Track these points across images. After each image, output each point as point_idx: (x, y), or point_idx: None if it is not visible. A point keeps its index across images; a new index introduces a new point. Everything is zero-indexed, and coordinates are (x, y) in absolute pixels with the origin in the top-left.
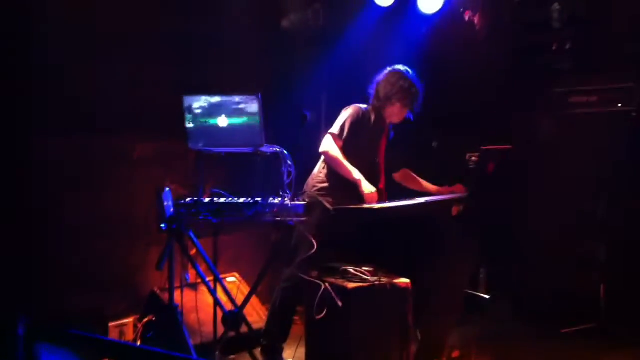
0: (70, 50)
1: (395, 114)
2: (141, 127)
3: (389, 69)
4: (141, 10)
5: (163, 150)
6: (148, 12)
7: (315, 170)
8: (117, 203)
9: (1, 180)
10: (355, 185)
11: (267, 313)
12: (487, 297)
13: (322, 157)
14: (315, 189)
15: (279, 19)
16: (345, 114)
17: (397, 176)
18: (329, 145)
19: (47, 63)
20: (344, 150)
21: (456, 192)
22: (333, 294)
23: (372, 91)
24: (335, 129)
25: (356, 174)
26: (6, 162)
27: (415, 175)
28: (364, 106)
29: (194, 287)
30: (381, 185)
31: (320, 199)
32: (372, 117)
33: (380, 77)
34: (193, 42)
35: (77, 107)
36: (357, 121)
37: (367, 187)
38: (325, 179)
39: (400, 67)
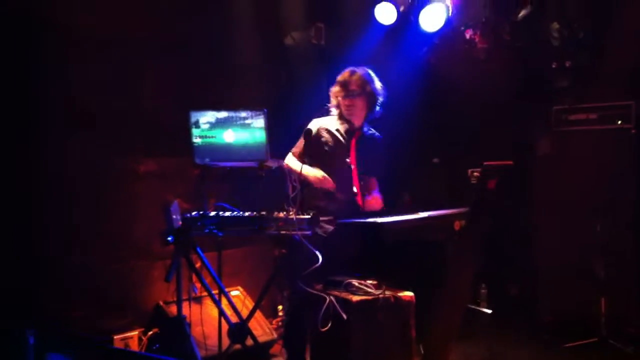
0: (75, 64)
1: (347, 106)
2: (145, 143)
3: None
4: (145, 27)
5: (167, 166)
6: (152, 29)
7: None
8: (121, 218)
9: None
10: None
11: (270, 327)
12: (489, 312)
13: None
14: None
15: (282, 37)
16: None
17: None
18: (285, 161)
19: (49, 75)
20: (312, 157)
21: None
22: (337, 306)
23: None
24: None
25: (297, 167)
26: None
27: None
28: (328, 117)
29: (198, 300)
30: (356, 184)
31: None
32: (335, 126)
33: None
34: (197, 59)
35: (81, 122)
36: (311, 137)
37: (312, 173)
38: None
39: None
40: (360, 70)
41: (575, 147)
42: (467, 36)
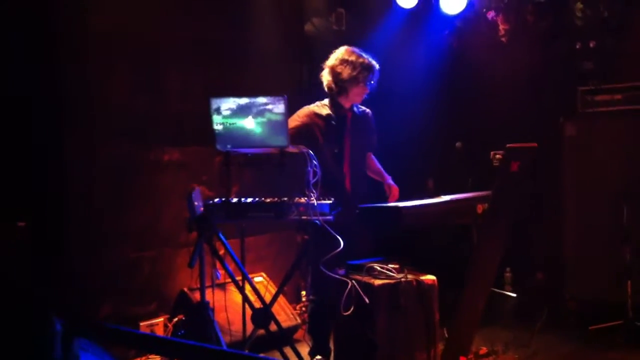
0: (99, 56)
1: (358, 94)
2: (166, 133)
3: (339, 49)
4: (167, 16)
5: (188, 155)
6: (173, 18)
7: None
8: (145, 207)
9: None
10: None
11: (294, 312)
12: (514, 295)
13: None
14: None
15: (303, 24)
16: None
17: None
18: None
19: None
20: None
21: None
22: (360, 291)
23: (326, 76)
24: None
25: None
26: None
27: (372, 159)
28: (315, 105)
29: (222, 287)
30: (347, 173)
31: None
32: (326, 112)
33: (334, 60)
34: (216, 47)
35: (102, 113)
36: (300, 128)
37: None
38: None
39: (349, 46)
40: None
41: (602, 128)
42: (489, 18)
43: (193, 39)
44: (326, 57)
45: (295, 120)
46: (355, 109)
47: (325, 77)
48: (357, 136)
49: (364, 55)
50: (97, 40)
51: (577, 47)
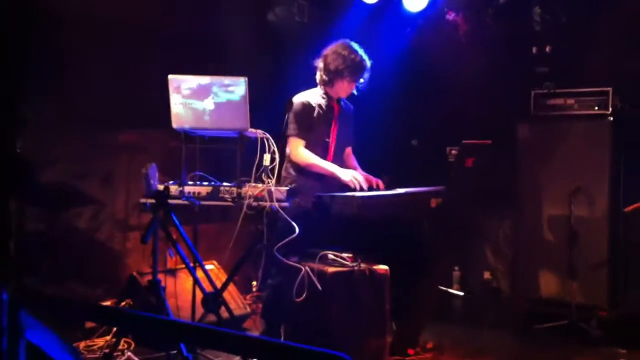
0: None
1: (343, 88)
2: (122, 117)
3: (337, 41)
4: (127, 1)
5: (144, 138)
6: (133, 4)
7: (283, 172)
8: (97, 189)
9: None
10: (323, 176)
11: (244, 302)
12: (461, 294)
13: (286, 157)
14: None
15: (265, 13)
16: (290, 112)
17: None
18: (297, 151)
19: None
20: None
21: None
22: (313, 277)
23: (319, 64)
24: (290, 130)
25: (330, 167)
26: None
27: (351, 154)
28: (308, 92)
29: (172, 273)
30: (329, 160)
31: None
32: (319, 100)
33: (329, 49)
34: (177, 34)
35: (59, 97)
36: (303, 113)
37: (344, 174)
38: (293, 176)
39: (349, 40)
40: (369, 59)
41: (554, 132)
42: (450, 18)
43: (154, 26)
44: (289, 47)
45: (297, 105)
46: (342, 102)
47: (318, 65)
48: (342, 128)
49: (358, 52)
50: (60, 24)
51: (534, 51)
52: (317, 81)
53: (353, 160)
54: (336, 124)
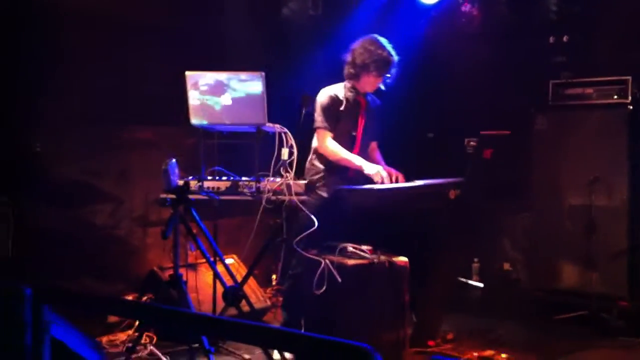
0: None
1: (369, 83)
2: (139, 113)
3: (366, 36)
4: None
5: (160, 136)
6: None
7: (308, 164)
8: (114, 186)
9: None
10: (349, 169)
11: (264, 295)
12: (481, 285)
13: (312, 148)
14: (312, 181)
15: (280, 7)
16: (318, 105)
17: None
18: (324, 143)
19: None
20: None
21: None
22: (333, 270)
23: (347, 58)
24: (318, 122)
25: (357, 160)
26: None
27: (376, 149)
28: (334, 86)
29: (193, 267)
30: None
31: (317, 190)
32: (346, 94)
33: (357, 44)
34: (192, 29)
35: (74, 96)
36: (330, 106)
37: (370, 168)
38: (319, 169)
39: (377, 35)
40: (396, 55)
41: (572, 121)
42: (465, 10)
43: (167, 22)
44: (303, 41)
45: (324, 98)
46: (369, 97)
47: (347, 58)
48: (369, 123)
49: (385, 47)
50: (69, 21)
51: (551, 40)
52: (345, 75)
53: (377, 155)
54: (363, 118)
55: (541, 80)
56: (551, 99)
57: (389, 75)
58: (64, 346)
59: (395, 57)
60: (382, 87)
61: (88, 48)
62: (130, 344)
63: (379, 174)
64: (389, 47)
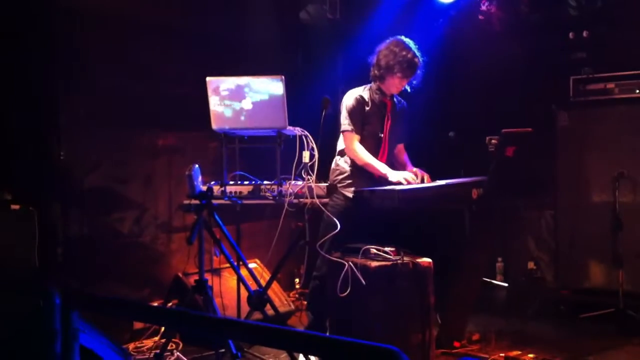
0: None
1: (394, 84)
2: (161, 118)
3: (391, 38)
4: (164, 2)
5: (183, 140)
6: (169, 4)
7: (333, 164)
8: (138, 193)
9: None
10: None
11: (288, 299)
12: (505, 285)
13: (337, 150)
14: (336, 181)
15: (298, 11)
16: (344, 107)
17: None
18: (352, 146)
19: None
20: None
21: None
22: (357, 272)
23: (373, 60)
24: (345, 125)
25: (382, 168)
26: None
27: (403, 151)
28: (360, 88)
29: (217, 272)
30: (384, 160)
31: (342, 190)
32: (372, 95)
33: (382, 46)
34: (212, 34)
35: (98, 103)
36: (356, 108)
37: (394, 176)
38: (344, 170)
39: (403, 37)
40: (421, 57)
41: (594, 117)
42: (483, 8)
43: (188, 27)
44: (322, 44)
45: (350, 101)
46: (395, 98)
47: (372, 60)
48: (395, 125)
49: (411, 49)
50: (94, 27)
51: (571, 36)
52: (370, 77)
53: (405, 157)
54: (389, 119)
55: (562, 76)
56: (572, 95)
57: (411, 77)
58: (92, 353)
59: (420, 59)
60: (408, 89)
61: (113, 54)
62: (157, 351)
63: (406, 180)
64: (414, 48)
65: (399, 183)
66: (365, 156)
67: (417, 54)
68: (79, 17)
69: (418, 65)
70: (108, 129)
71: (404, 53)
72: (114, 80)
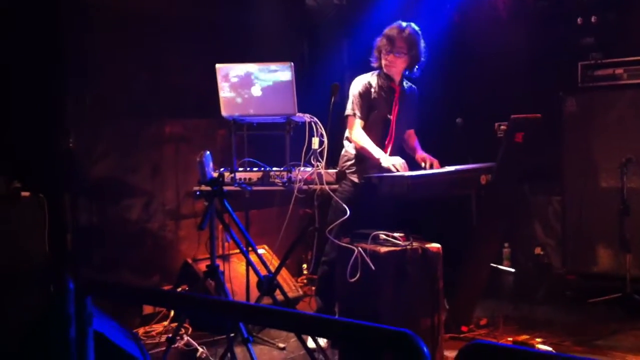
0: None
1: (389, 64)
2: (168, 107)
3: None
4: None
5: (190, 128)
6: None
7: (343, 151)
8: (146, 180)
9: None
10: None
11: (296, 284)
12: (512, 270)
13: (345, 136)
14: (345, 167)
15: None
16: (350, 92)
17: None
18: (353, 131)
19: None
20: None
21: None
22: (366, 257)
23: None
24: (348, 110)
25: (376, 152)
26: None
27: (413, 136)
28: (368, 74)
29: (226, 258)
30: (391, 142)
31: (349, 175)
32: (380, 81)
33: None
34: (218, 22)
35: (106, 91)
36: (362, 93)
37: (386, 161)
38: (350, 155)
39: (401, 22)
40: (409, 29)
41: (602, 103)
42: None
43: (197, 15)
44: (329, 30)
45: (357, 86)
46: (404, 84)
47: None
48: (403, 110)
49: (394, 26)
50: (100, 16)
51: (579, 22)
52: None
53: (415, 142)
54: (397, 104)
55: (570, 62)
56: (580, 81)
57: (406, 53)
58: (105, 338)
59: (406, 32)
60: (415, 71)
61: (119, 42)
62: (169, 335)
63: (394, 167)
64: (404, 25)
65: (389, 169)
66: (362, 140)
67: (404, 29)
68: (88, 9)
69: (396, 37)
70: (116, 118)
71: (386, 31)
72: (121, 69)
